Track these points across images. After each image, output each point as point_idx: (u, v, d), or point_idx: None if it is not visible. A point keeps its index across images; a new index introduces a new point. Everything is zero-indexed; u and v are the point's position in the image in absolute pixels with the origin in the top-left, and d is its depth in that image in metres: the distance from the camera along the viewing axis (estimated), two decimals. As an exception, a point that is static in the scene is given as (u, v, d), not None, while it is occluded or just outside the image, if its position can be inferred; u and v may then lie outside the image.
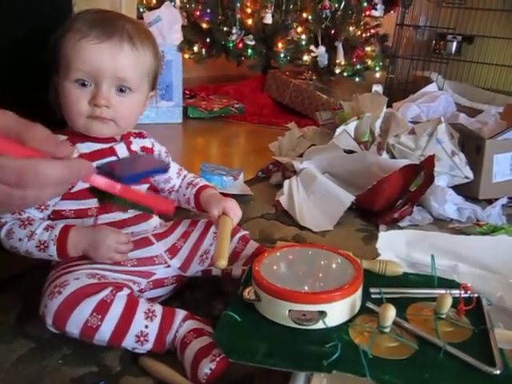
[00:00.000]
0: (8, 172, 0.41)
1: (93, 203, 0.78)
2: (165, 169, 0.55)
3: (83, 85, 0.75)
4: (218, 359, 0.65)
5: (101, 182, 0.50)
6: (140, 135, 0.88)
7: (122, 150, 0.82)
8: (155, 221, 0.87)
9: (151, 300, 0.78)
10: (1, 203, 0.43)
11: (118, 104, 0.77)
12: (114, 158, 0.80)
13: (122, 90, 0.77)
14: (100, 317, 0.68)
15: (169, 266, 0.84)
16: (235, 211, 0.84)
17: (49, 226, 0.75)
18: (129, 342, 0.70)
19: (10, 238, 0.74)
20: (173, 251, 0.85)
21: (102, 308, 0.68)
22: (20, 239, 0.73)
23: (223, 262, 0.72)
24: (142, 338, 0.70)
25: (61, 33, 0.76)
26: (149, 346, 0.70)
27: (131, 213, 0.82)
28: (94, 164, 0.57)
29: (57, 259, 0.75)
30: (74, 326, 0.68)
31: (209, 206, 0.86)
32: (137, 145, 0.85)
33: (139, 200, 0.53)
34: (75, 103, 0.75)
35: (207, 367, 0.65)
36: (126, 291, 0.72)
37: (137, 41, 0.77)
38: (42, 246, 0.73)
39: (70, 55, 0.74)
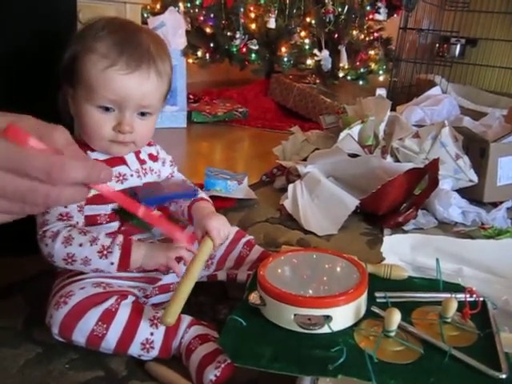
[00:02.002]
0: (35, 166, 0.41)
1: (102, 209, 0.78)
2: (192, 193, 0.53)
3: (106, 109, 0.74)
4: (222, 366, 0.65)
5: (122, 198, 0.48)
6: (147, 143, 0.88)
7: (131, 160, 0.82)
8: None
9: (157, 305, 0.79)
10: (24, 199, 0.42)
11: (139, 127, 0.77)
12: (124, 167, 0.81)
13: (142, 114, 0.77)
14: (105, 326, 0.68)
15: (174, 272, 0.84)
16: (218, 231, 0.78)
17: (109, 234, 0.75)
18: (134, 350, 0.70)
19: (69, 244, 0.71)
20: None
21: (107, 317, 0.68)
22: (81, 244, 0.71)
23: (169, 320, 0.65)
24: (147, 346, 0.70)
25: (79, 50, 0.74)
26: (154, 353, 0.70)
27: None
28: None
29: (115, 268, 0.73)
30: (79, 336, 0.68)
31: (194, 222, 0.82)
32: (145, 153, 0.86)
33: (161, 227, 0.52)
34: (98, 127, 0.75)
35: (212, 374, 0.65)
36: (130, 299, 0.72)
37: (159, 64, 0.76)
38: (105, 252, 0.72)
39: (95, 81, 0.72)
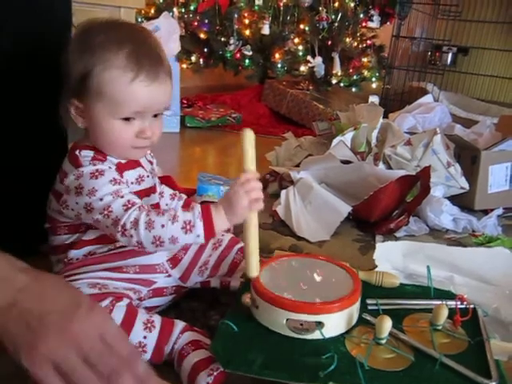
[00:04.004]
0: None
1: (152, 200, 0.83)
2: None
3: (128, 119, 0.75)
4: (215, 374, 0.65)
5: None
6: None
7: (144, 161, 0.85)
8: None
9: (149, 309, 0.78)
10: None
11: (155, 128, 0.79)
12: (141, 169, 0.83)
13: (155, 115, 0.79)
14: None
15: (169, 276, 0.84)
16: None
17: (185, 209, 0.73)
18: (127, 353, 0.69)
19: (152, 227, 0.70)
20: (174, 261, 0.85)
21: None
22: (163, 225, 0.70)
23: (253, 275, 0.71)
24: (140, 349, 0.69)
25: (93, 65, 0.72)
26: (146, 356, 0.70)
27: None
28: None
29: (203, 239, 0.71)
30: None
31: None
32: (148, 154, 0.88)
33: None
34: (121, 138, 0.76)
35: (204, 381, 0.65)
36: (125, 301, 0.72)
37: (167, 64, 0.77)
38: (188, 227, 0.70)
39: (121, 96, 0.73)
